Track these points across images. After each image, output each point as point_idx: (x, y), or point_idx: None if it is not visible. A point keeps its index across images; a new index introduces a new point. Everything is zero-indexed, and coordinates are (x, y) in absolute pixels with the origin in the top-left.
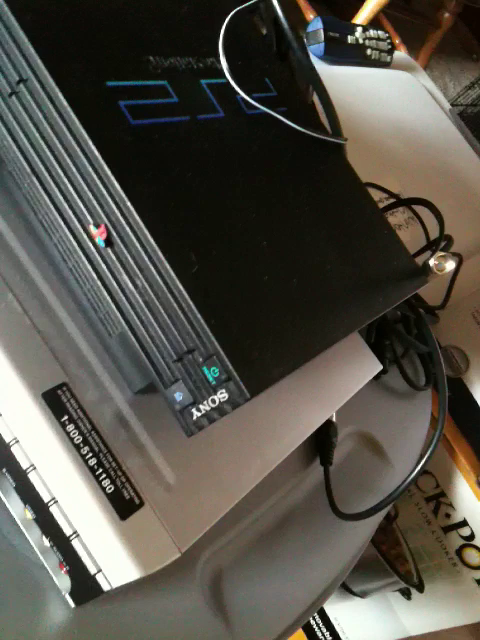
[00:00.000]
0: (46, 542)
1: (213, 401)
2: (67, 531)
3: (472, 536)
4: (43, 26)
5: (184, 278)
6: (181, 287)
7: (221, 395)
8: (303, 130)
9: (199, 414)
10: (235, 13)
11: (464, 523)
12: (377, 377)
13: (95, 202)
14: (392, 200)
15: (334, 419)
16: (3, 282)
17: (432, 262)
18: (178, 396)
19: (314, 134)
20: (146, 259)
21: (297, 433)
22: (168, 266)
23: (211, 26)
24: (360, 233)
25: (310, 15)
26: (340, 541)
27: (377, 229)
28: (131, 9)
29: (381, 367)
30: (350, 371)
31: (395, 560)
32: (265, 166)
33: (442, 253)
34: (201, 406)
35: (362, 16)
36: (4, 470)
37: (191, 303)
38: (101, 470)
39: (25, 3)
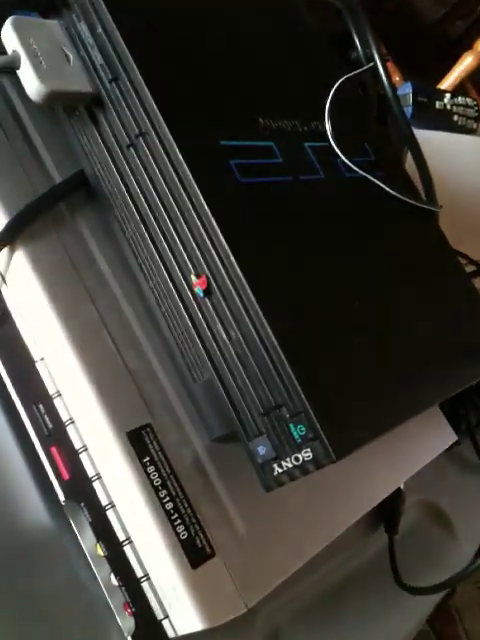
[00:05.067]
0: (114, 581)
1: (296, 459)
2: (139, 573)
3: None
4: (166, 83)
5: (279, 333)
6: (275, 342)
7: (305, 454)
8: (399, 196)
9: (280, 470)
10: (343, 81)
11: None
12: (449, 447)
13: (199, 253)
14: (473, 267)
15: (402, 486)
16: (101, 321)
17: None
18: (261, 450)
19: (409, 201)
20: (243, 312)
21: (368, 498)
22: (264, 320)
23: (317, 90)
24: (449, 300)
25: (396, 77)
26: (400, 614)
27: (466, 298)
28: (246, 71)
29: (456, 438)
30: (425, 440)
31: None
32: (360, 228)
33: None
34: (283, 463)
35: (448, 82)
36: (82, 504)
37: (284, 359)
38: (176, 515)
39: (151, 60)
